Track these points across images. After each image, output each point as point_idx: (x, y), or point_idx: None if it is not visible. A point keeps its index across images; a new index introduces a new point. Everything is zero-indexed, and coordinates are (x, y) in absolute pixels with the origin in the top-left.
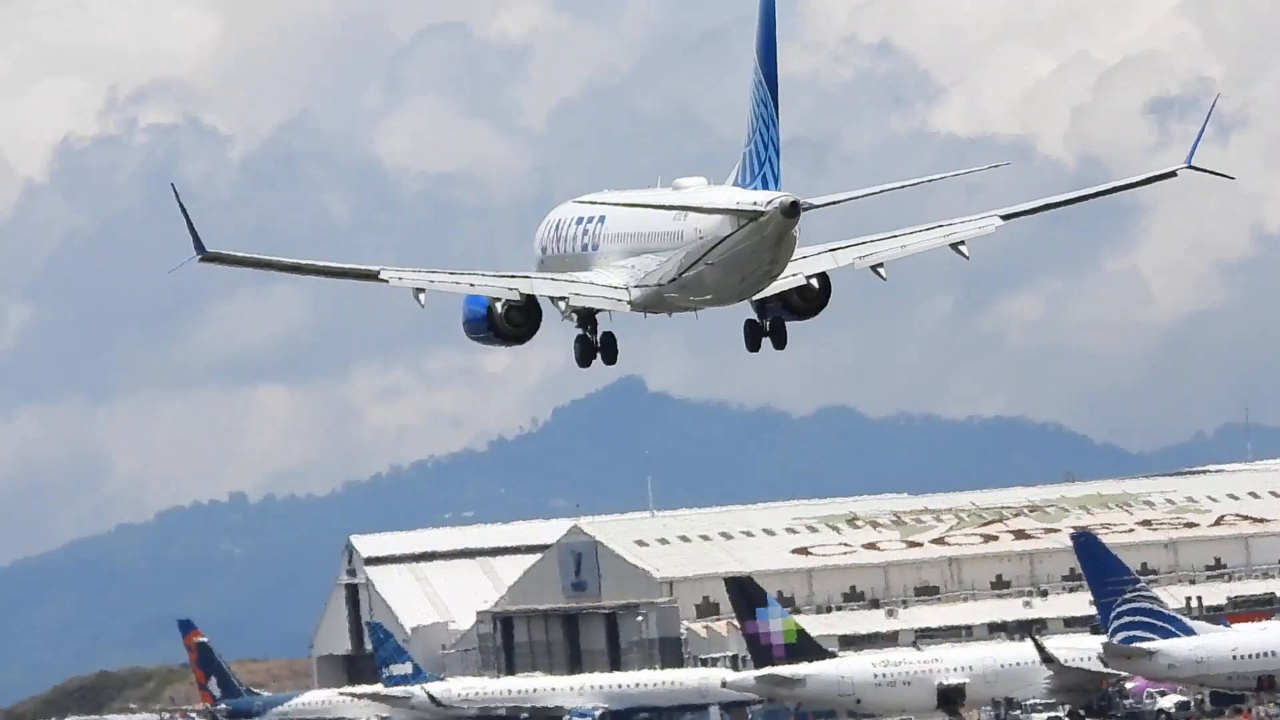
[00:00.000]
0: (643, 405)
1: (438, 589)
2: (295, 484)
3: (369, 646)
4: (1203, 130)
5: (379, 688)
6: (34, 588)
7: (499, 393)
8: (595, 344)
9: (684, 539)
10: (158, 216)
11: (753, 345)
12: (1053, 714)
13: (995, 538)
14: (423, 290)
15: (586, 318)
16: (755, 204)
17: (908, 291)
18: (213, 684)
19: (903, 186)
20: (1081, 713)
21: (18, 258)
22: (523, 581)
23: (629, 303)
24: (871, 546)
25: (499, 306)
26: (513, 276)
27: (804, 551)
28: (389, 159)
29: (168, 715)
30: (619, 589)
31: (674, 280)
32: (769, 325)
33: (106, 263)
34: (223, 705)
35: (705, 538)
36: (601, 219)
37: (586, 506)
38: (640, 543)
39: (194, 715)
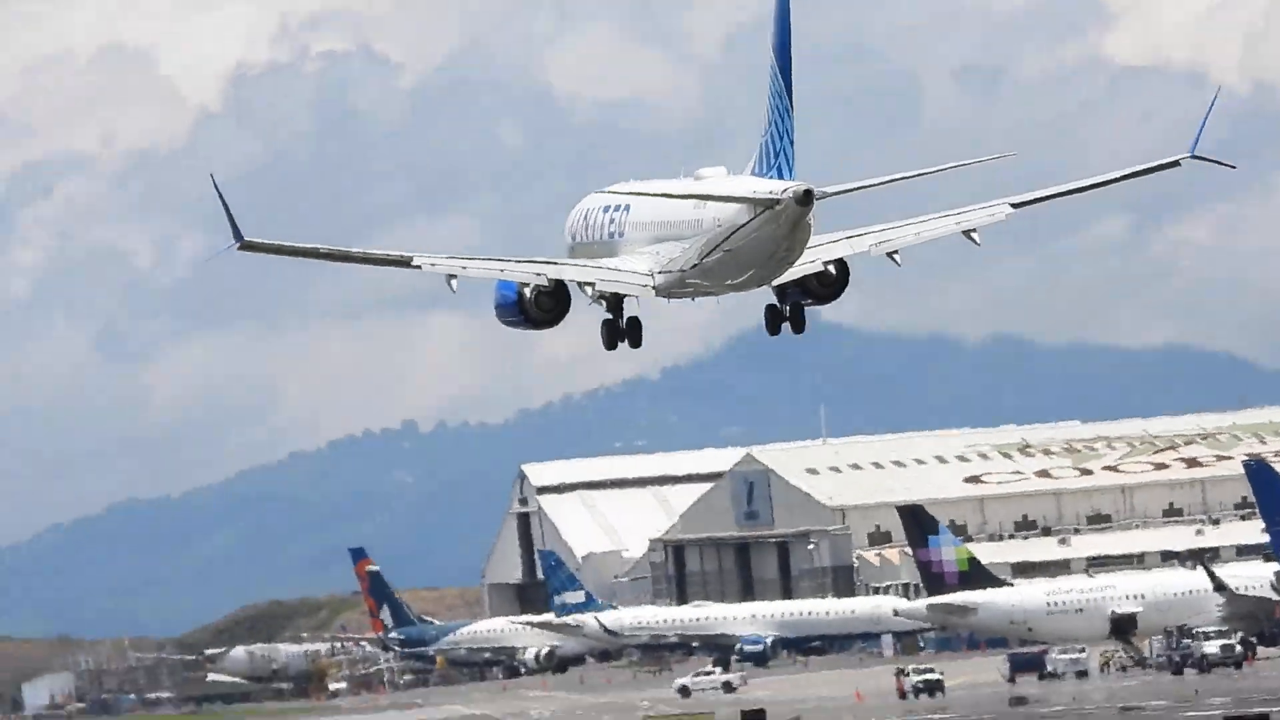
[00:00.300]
0: (815, 333)
1: (609, 517)
2: (467, 412)
3: (540, 575)
4: (1204, 121)
5: (550, 616)
6: (206, 517)
7: (672, 321)
8: (621, 328)
9: (855, 467)
10: (329, 145)
11: (773, 329)
12: (1225, 642)
13: (1167, 465)
14: (454, 276)
15: (614, 303)
16: (771, 193)
17: (1079, 219)
18: (384, 612)
19: (910, 177)
20: (1254, 640)
21: (190, 186)
22: (694, 510)
23: (653, 288)
24: (1043, 474)
25: (528, 292)
26: (541, 262)
27: (976, 479)
28: (559, 86)
29: (339, 644)
30: (790, 517)
31: (695, 266)
32: (788, 310)
33: (279, 190)
34: (394, 633)
35: (877, 465)
36: (627, 208)
37: (759, 435)
38: (812, 471)
39: (365, 644)
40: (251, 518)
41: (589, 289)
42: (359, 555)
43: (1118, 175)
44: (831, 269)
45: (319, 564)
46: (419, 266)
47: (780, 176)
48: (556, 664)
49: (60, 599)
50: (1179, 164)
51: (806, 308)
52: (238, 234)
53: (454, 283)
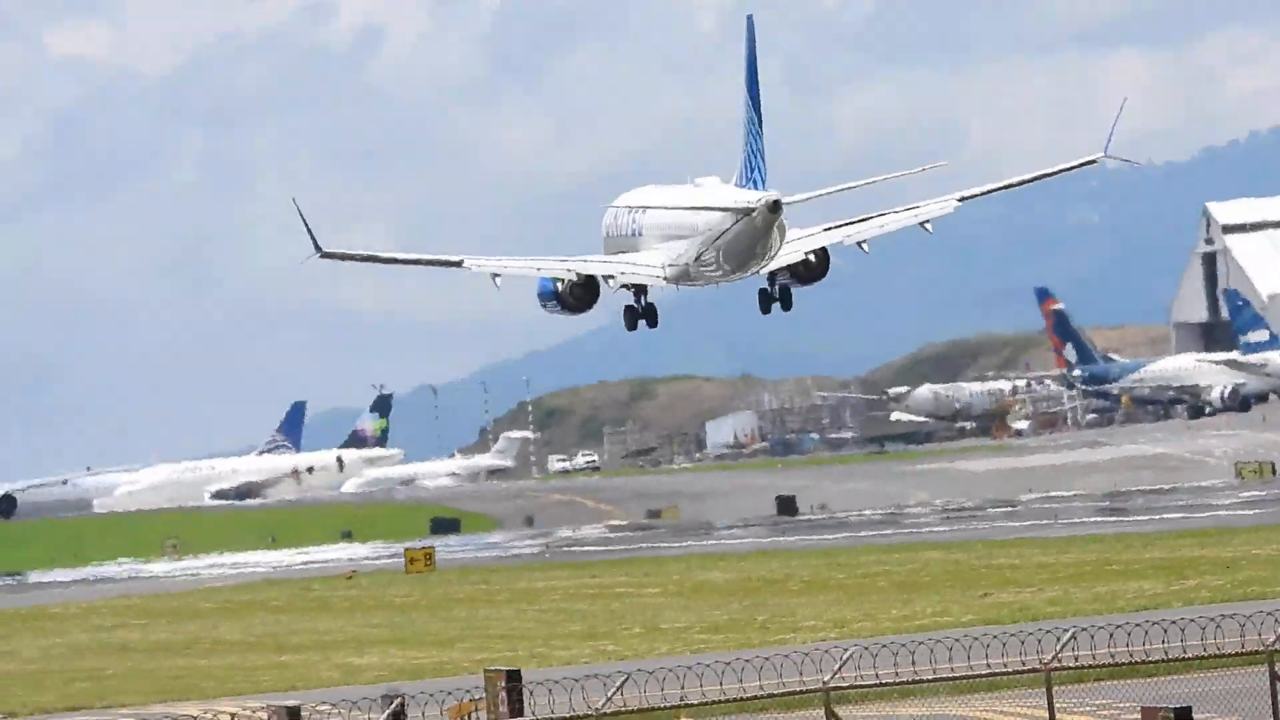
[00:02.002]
0: None
1: None
2: (1151, 150)
3: (1226, 314)
4: (1114, 124)
5: (1235, 355)
6: (888, 258)
7: None
8: (639, 312)
9: None
10: None
11: (764, 309)
12: None
13: None
14: (498, 275)
15: (635, 291)
16: (747, 202)
17: None
18: (1068, 350)
19: (857, 186)
20: None
21: None
22: None
23: (665, 279)
24: None
25: (561, 285)
26: (572, 260)
27: None
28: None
29: (1023, 382)
30: None
31: (695, 260)
32: (778, 292)
33: None
34: (1077, 370)
35: None
36: (644, 210)
37: None
38: None
39: (1048, 382)
40: (933, 257)
41: (612, 281)
42: (1043, 294)
43: (1045, 172)
44: (812, 257)
45: (1002, 302)
46: (468, 268)
47: (756, 187)
48: (1240, 402)
49: (744, 339)
50: (1095, 162)
51: (795, 289)
52: (316, 246)
53: (498, 280)
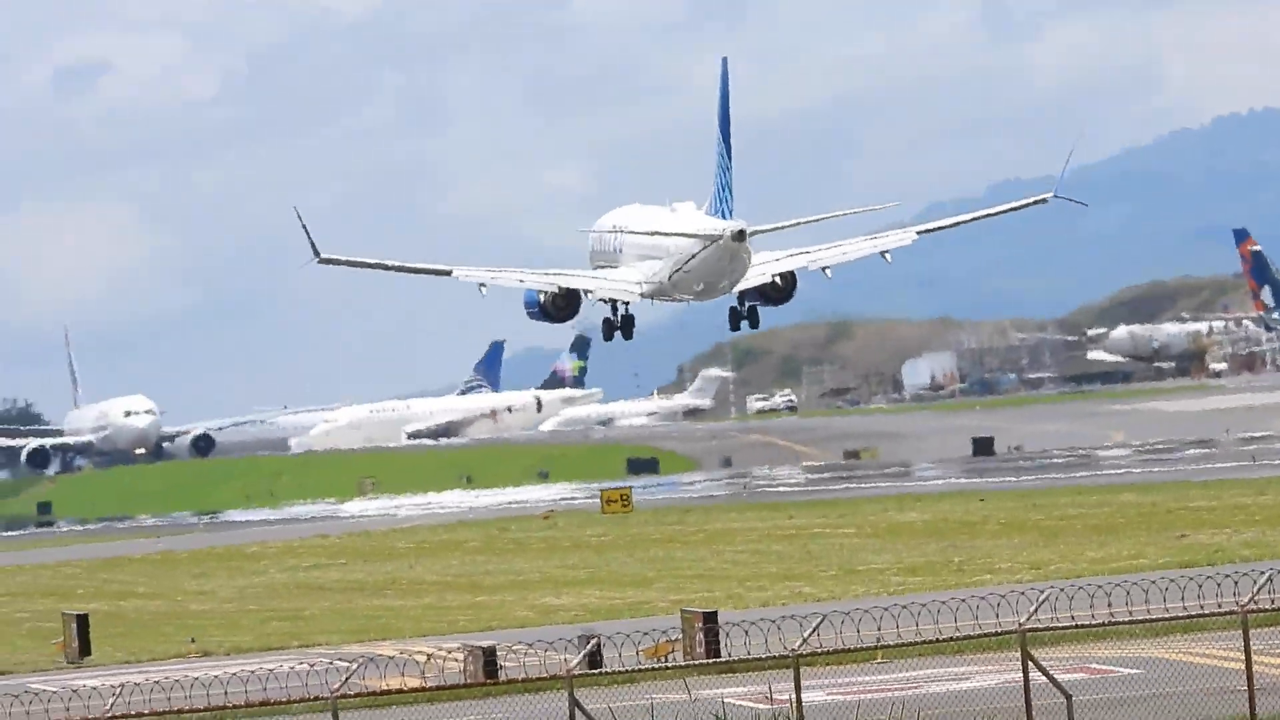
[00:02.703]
0: None
1: None
2: None
3: None
4: (1065, 168)
5: None
6: (1087, 198)
7: None
8: (616, 324)
9: None
10: None
11: (734, 326)
12: None
13: None
14: (484, 284)
15: (612, 304)
16: (715, 230)
17: None
18: (1265, 293)
19: (811, 221)
20: None
21: None
22: None
23: (641, 294)
24: None
25: (544, 297)
26: (554, 273)
27: None
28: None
29: (1221, 324)
30: None
31: (668, 279)
32: (746, 311)
33: None
34: (1276, 314)
35: None
36: (624, 230)
37: None
38: None
39: (1246, 324)
40: (1132, 198)
41: (590, 294)
42: (1241, 236)
43: (996, 210)
44: (779, 280)
45: (1200, 245)
46: (456, 277)
47: (725, 216)
48: None
49: (943, 279)
50: (1046, 201)
51: (765, 308)
52: (315, 252)
53: (483, 289)
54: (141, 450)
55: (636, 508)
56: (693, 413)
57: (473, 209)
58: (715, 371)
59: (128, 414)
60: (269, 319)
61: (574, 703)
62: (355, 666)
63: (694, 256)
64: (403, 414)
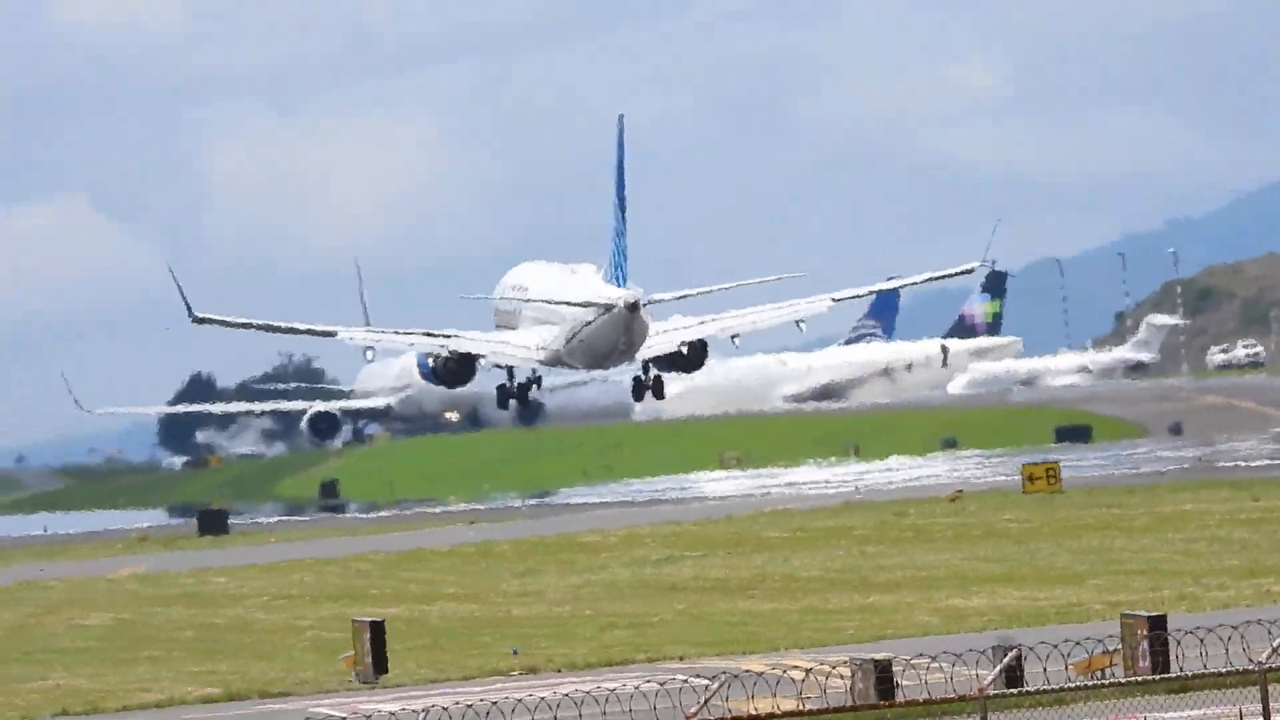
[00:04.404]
0: None
1: None
2: None
3: None
4: (991, 238)
5: None
6: None
7: None
8: (512, 390)
9: None
10: None
11: (638, 396)
12: None
13: None
14: (371, 347)
15: (507, 369)
16: (609, 299)
17: None
18: None
19: (711, 291)
20: None
21: None
22: None
23: (538, 360)
24: None
25: (433, 361)
26: (446, 336)
27: None
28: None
29: None
30: None
31: (564, 347)
32: (651, 380)
33: None
34: None
35: None
36: (526, 289)
37: None
38: None
39: None
40: None
41: (483, 360)
42: None
43: (920, 279)
44: (685, 349)
45: None
46: (341, 340)
47: (619, 284)
48: None
49: None
50: (973, 270)
51: (679, 373)
52: (190, 312)
53: (369, 354)
54: (452, 416)
55: (1065, 486)
56: (1135, 369)
57: (850, 123)
58: (1162, 319)
59: None
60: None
61: None
62: (716, 686)
63: (589, 324)
64: (776, 371)
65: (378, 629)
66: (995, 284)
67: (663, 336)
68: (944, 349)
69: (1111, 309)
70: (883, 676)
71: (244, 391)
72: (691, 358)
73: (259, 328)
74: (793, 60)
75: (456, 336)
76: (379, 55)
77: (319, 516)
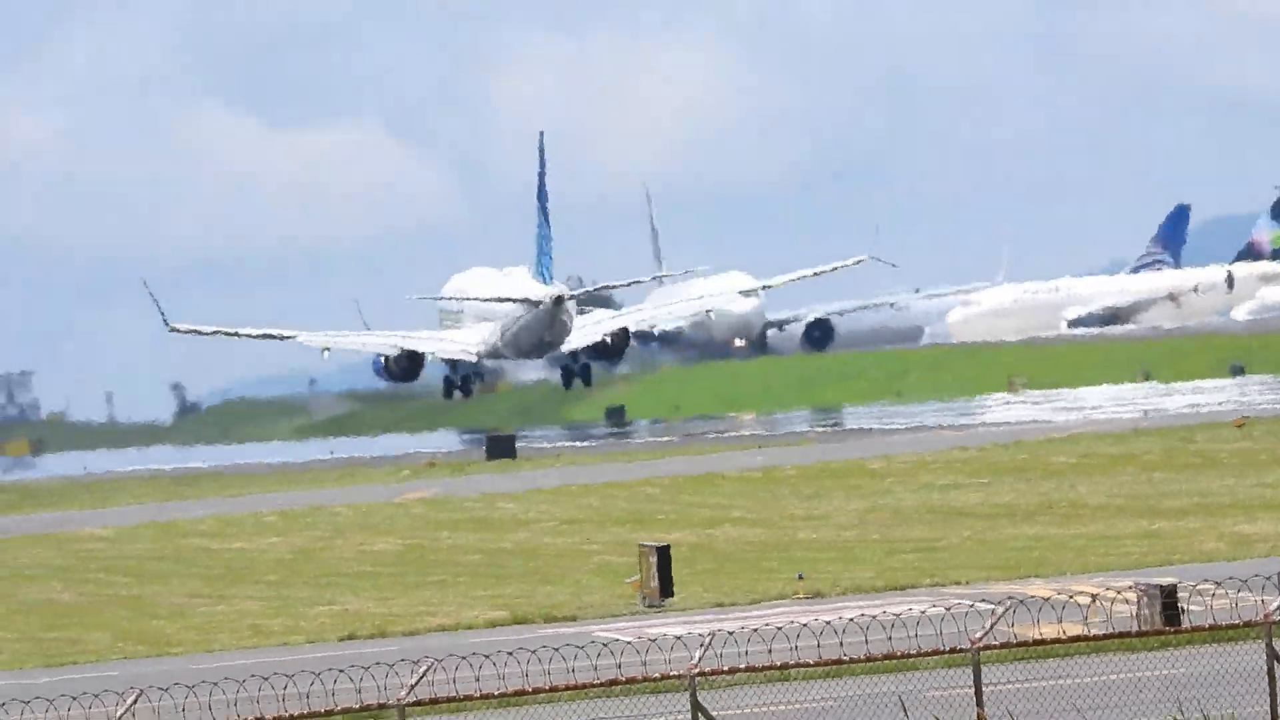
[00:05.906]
0: None
1: None
2: None
3: None
4: (877, 230)
5: None
6: None
7: None
8: (456, 382)
9: None
10: None
11: (567, 384)
12: None
13: None
14: (328, 348)
15: (450, 364)
16: (535, 296)
17: None
18: None
19: (628, 285)
20: None
21: None
22: None
23: (478, 355)
24: None
25: (385, 359)
26: (395, 335)
27: None
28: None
29: None
30: None
31: (500, 340)
32: (579, 369)
33: None
34: None
35: None
36: (465, 292)
37: None
38: None
39: None
40: None
41: (429, 355)
42: None
43: (814, 270)
44: (609, 339)
45: None
46: (301, 343)
47: (546, 281)
48: None
49: None
50: (861, 262)
51: (607, 361)
52: (165, 321)
53: (326, 354)
54: (741, 342)
55: None
56: None
57: (1144, 45)
58: None
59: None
60: (888, 177)
61: (1273, 654)
62: (1002, 611)
63: (520, 319)
64: (1061, 296)
65: (664, 553)
66: None
67: (589, 329)
68: (1230, 276)
69: None
70: (1168, 602)
71: None
72: (613, 346)
73: (228, 335)
74: None
75: (406, 336)
76: None
77: (606, 442)
